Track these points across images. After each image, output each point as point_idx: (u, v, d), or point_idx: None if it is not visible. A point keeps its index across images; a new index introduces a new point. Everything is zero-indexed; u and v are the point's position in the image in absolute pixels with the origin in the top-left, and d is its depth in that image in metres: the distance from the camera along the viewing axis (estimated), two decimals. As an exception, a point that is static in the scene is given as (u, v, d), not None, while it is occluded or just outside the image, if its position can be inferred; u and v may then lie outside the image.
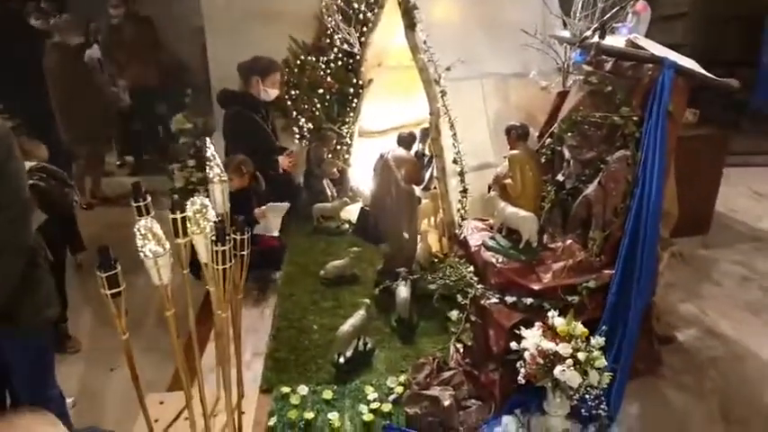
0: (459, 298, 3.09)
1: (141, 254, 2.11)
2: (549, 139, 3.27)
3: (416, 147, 4.02)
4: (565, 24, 3.94)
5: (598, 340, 2.53)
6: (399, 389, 2.93)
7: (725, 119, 6.69)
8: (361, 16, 4.73)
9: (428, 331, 3.42)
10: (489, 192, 3.30)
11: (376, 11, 4.58)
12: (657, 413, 2.91)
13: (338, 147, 5.13)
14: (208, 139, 2.80)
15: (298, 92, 5.10)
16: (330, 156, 5.06)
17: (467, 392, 2.85)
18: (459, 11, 4.22)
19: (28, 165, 2.72)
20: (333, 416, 2.79)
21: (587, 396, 2.45)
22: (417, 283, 3.58)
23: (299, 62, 5.09)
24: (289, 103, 5.12)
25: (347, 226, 4.76)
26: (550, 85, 3.84)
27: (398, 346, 3.33)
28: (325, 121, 5.08)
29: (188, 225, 2.30)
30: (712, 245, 4.72)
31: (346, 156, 5.17)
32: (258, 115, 4.50)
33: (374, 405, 2.85)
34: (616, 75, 2.99)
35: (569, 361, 2.42)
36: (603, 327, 2.66)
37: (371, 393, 2.94)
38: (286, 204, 4.22)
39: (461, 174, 3.85)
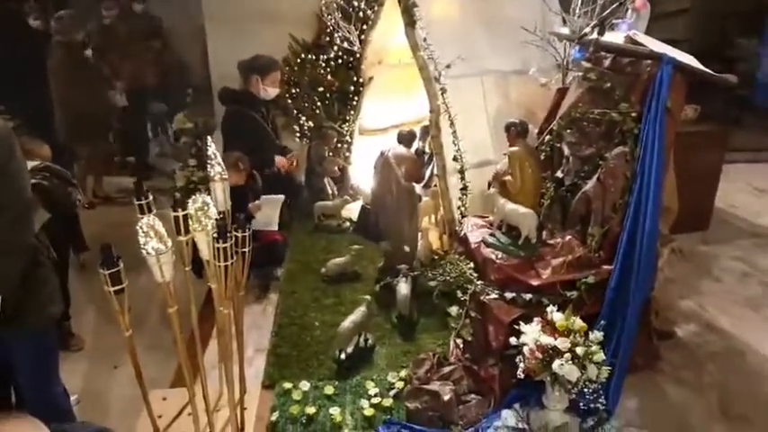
0: (459, 294, 3.11)
1: (143, 251, 2.14)
2: (548, 136, 3.28)
3: (417, 144, 4.04)
4: (564, 21, 3.95)
5: (596, 335, 2.55)
6: (400, 384, 2.97)
7: (727, 115, 6.72)
8: (361, 14, 4.74)
9: (428, 327, 3.45)
10: (489, 188, 3.32)
11: (376, 9, 4.59)
12: (656, 408, 2.93)
13: (339, 145, 5.15)
14: (209, 137, 2.82)
15: (298, 90, 5.12)
16: (331, 154, 5.08)
17: (466, 387, 2.88)
18: (459, 8, 4.23)
19: (31, 164, 2.74)
20: (334, 411, 2.82)
21: (585, 390, 2.47)
22: (418, 279, 3.60)
23: (299, 60, 5.10)
24: (289, 101, 5.13)
25: (348, 224, 4.79)
26: (550, 81, 3.85)
27: (399, 343, 3.36)
28: (325, 120, 5.09)
29: (190, 222, 2.33)
30: (712, 241, 4.73)
31: (347, 154, 5.20)
32: (258, 114, 4.51)
33: (375, 400, 2.89)
34: (615, 71, 3.01)
35: (568, 355, 2.44)
36: (602, 321, 2.69)
37: (372, 388, 2.97)
38: (281, 197, 4.24)
39: (461, 171, 3.87)
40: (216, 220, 2.34)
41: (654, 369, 3.15)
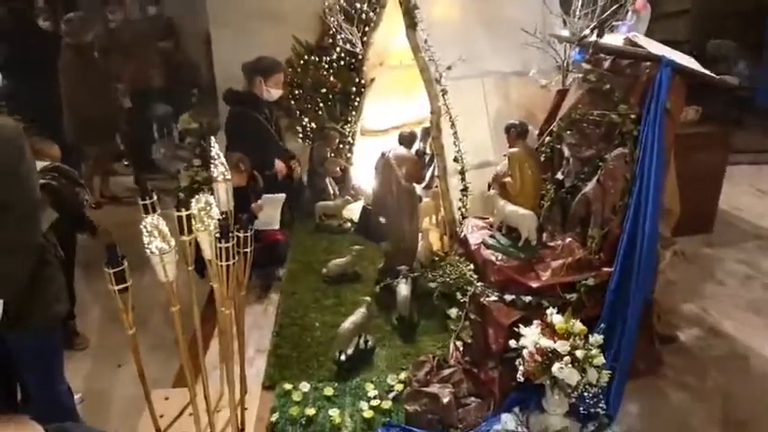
0: (459, 296, 3.11)
1: (147, 250, 2.16)
2: (548, 138, 3.28)
3: (417, 145, 4.04)
4: (565, 23, 3.95)
5: (597, 338, 2.55)
6: (399, 386, 2.97)
7: (728, 116, 6.70)
8: (363, 16, 4.76)
9: (429, 329, 3.45)
10: (489, 190, 3.32)
11: (378, 11, 4.60)
12: (658, 413, 2.92)
13: (341, 146, 5.17)
14: (212, 138, 2.84)
15: (301, 91, 5.15)
16: (333, 154, 5.10)
17: (466, 390, 2.88)
18: (460, 10, 4.23)
19: (41, 164, 2.77)
20: (333, 412, 2.83)
21: (585, 394, 2.46)
22: (418, 281, 3.61)
23: (302, 62, 5.13)
24: (292, 102, 5.16)
25: (349, 224, 4.80)
26: (550, 83, 3.85)
27: (399, 344, 3.36)
28: (327, 121, 5.12)
29: (193, 222, 2.35)
30: (716, 243, 4.71)
31: (348, 154, 5.21)
32: (261, 115, 4.54)
33: (374, 402, 2.89)
34: (614, 73, 3.01)
35: (567, 358, 2.44)
36: (602, 324, 2.68)
37: (372, 390, 2.97)
38: (282, 196, 4.25)
39: (462, 172, 3.87)
40: (218, 220, 2.36)
41: (656, 374, 3.14)
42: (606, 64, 3.11)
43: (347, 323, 3.20)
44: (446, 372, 2.94)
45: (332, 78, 5.04)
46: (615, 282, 2.79)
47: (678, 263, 4.28)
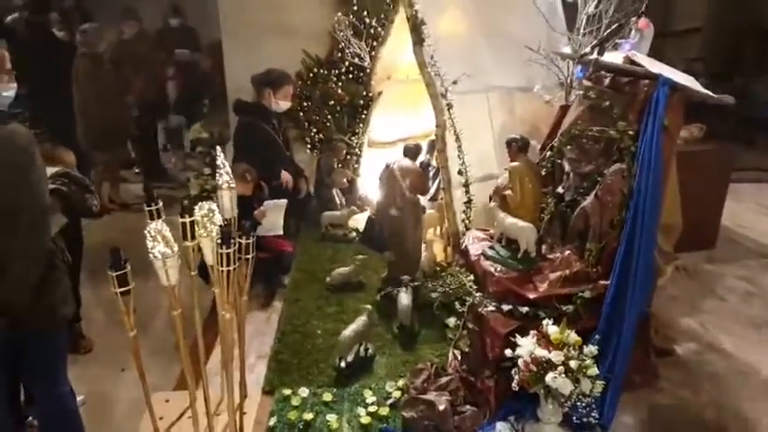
0: (458, 305, 3.16)
1: (151, 255, 2.23)
2: (549, 152, 3.34)
3: (422, 158, 4.12)
4: (570, 40, 4.02)
5: (591, 349, 2.58)
6: (397, 393, 3.02)
7: (738, 135, 6.72)
8: (372, 31, 4.86)
9: (429, 338, 3.50)
10: (490, 202, 3.38)
11: (386, 26, 4.70)
12: (652, 426, 2.93)
13: (348, 157, 5.25)
14: (218, 147, 2.92)
15: (310, 103, 5.25)
16: (340, 166, 5.18)
17: (463, 398, 2.91)
18: (466, 26, 4.32)
19: (51, 170, 2.85)
20: (331, 417, 2.88)
21: (579, 404, 2.50)
22: (419, 291, 3.66)
23: (311, 75, 5.23)
24: (301, 114, 5.26)
25: (354, 234, 4.87)
26: (553, 99, 3.92)
27: (399, 353, 3.41)
28: (335, 132, 5.21)
29: (196, 229, 2.43)
30: (718, 260, 4.72)
31: (355, 166, 5.30)
32: (270, 126, 4.63)
33: (372, 408, 2.94)
34: (614, 90, 3.06)
35: (561, 368, 2.47)
36: (597, 336, 2.72)
37: (370, 397, 3.02)
38: (284, 201, 4.30)
39: (466, 185, 3.94)
40: (220, 226, 2.43)
41: (652, 386, 3.15)
42: (606, 81, 3.17)
43: (348, 331, 3.25)
44: (443, 380, 2.98)
45: (340, 91, 5.14)
46: (611, 295, 2.82)
47: (680, 278, 4.31)
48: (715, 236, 4.89)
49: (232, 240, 2.39)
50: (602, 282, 2.90)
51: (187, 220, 2.42)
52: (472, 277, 3.22)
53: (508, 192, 3.16)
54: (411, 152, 3.90)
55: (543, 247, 3.22)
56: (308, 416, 2.89)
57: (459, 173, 3.94)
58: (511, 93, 4.30)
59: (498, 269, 3.07)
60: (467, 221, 3.94)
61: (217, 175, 2.75)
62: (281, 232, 4.20)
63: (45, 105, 5.59)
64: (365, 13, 4.93)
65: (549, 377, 2.47)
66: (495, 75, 4.22)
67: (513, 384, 2.61)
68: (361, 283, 4.13)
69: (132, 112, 6.22)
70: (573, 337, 2.59)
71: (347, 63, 5.10)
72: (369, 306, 3.40)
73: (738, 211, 5.49)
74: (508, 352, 2.67)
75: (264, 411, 3.00)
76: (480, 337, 2.95)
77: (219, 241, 2.37)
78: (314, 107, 5.25)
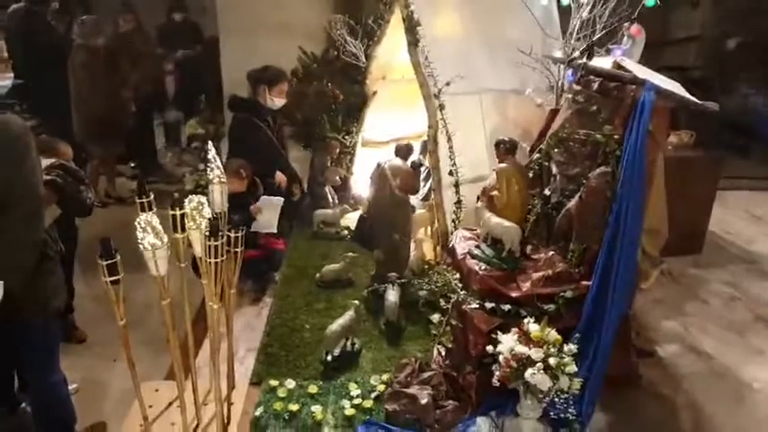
0: (442, 302, 3.21)
1: (140, 245, 2.28)
2: (536, 155, 3.39)
3: (414, 157, 4.18)
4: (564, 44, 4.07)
5: (570, 347, 2.64)
6: (381, 387, 3.08)
7: (733, 143, 6.80)
8: (367, 28, 4.91)
9: (415, 335, 3.56)
10: (477, 202, 3.43)
11: (381, 26, 4.75)
12: (630, 423, 3.00)
13: (341, 156, 5.30)
14: (209, 143, 2.98)
15: (304, 101, 5.29)
16: (333, 164, 5.23)
17: (445, 393, 2.97)
18: (461, 29, 4.37)
19: (47, 161, 2.89)
20: (316, 409, 2.94)
21: (556, 399, 2.55)
22: (407, 288, 3.71)
23: (307, 72, 5.28)
24: (295, 111, 5.30)
25: (346, 232, 4.92)
26: (544, 102, 3.97)
27: (385, 348, 3.47)
28: (329, 131, 5.26)
29: (186, 221, 2.48)
30: (704, 265, 4.79)
31: (349, 164, 5.35)
32: (264, 122, 4.68)
33: (356, 401, 3.00)
34: (601, 94, 3.11)
35: (540, 365, 2.53)
36: (577, 335, 2.77)
37: (355, 390, 3.08)
38: (280, 199, 4.35)
39: (457, 185, 3.99)
40: (209, 219, 2.48)
41: (631, 385, 3.21)
42: (595, 86, 3.22)
43: (335, 325, 3.31)
44: (426, 374, 3.04)
45: (335, 90, 5.19)
46: (592, 295, 2.87)
47: (665, 282, 4.38)
48: (702, 241, 4.96)
49: (220, 233, 2.44)
50: (584, 282, 2.95)
51: (177, 212, 2.48)
52: (458, 275, 3.27)
53: (495, 192, 3.22)
54: (402, 152, 3.95)
55: (528, 247, 3.27)
56: (294, 407, 2.95)
57: (451, 173, 4.00)
58: (504, 95, 4.35)
59: (483, 268, 3.12)
60: (457, 222, 3.99)
61: (208, 169, 2.81)
62: (275, 230, 4.26)
63: (42, 97, 5.64)
64: (362, 14, 4.98)
65: (528, 373, 2.53)
66: (488, 77, 4.27)
67: (494, 380, 2.66)
68: (350, 280, 4.19)
69: (129, 106, 6.25)
70: (553, 335, 2.65)
71: (343, 62, 5.15)
72: (356, 301, 3.46)
73: (727, 218, 5.57)
74: (490, 348, 2.73)
75: (252, 402, 3.06)
76: (463, 334, 3.01)
77: (208, 233, 2.42)
78: (309, 105, 5.30)
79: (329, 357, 3.30)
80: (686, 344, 3.69)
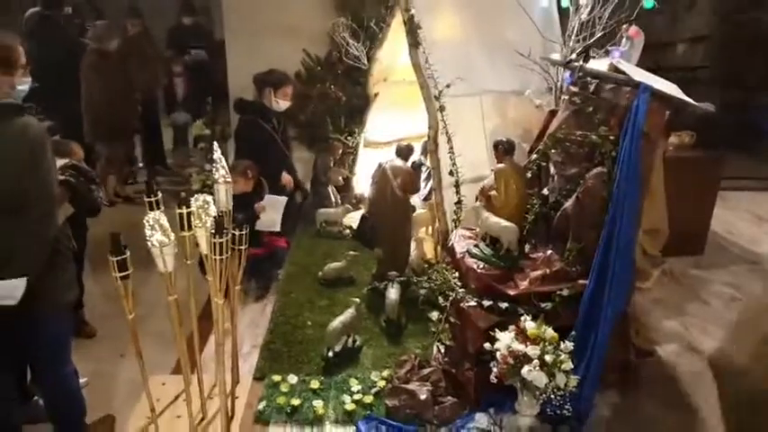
0: (441, 300, 3.27)
1: (149, 243, 2.37)
2: (534, 155, 3.45)
3: (415, 158, 4.24)
4: (563, 46, 4.12)
5: (567, 345, 2.69)
6: (382, 383, 3.15)
7: (740, 143, 6.79)
8: (368, 33, 4.99)
9: (415, 332, 3.63)
10: (476, 202, 3.49)
11: (383, 29, 4.82)
12: (627, 421, 3.04)
13: (344, 156, 5.38)
14: (215, 143, 3.06)
15: (308, 103, 5.38)
16: (336, 164, 5.31)
17: (444, 389, 3.03)
18: (462, 31, 4.42)
19: (61, 162, 2.98)
20: (318, 403, 3.01)
21: (553, 396, 2.61)
22: (407, 286, 3.78)
23: (310, 75, 5.36)
24: (299, 113, 5.39)
25: (348, 231, 5.00)
26: (543, 103, 4.02)
27: (385, 345, 3.54)
28: (332, 132, 5.34)
29: (192, 219, 2.56)
30: (705, 265, 4.80)
31: (351, 165, 5.42)
32: (269, 124, 4.76)
33: (357, 396, 3.07)
34: (598, 96, 3.17)
35: (536, 362, 2.59)
36: (572, 333, 2.83)
37: (356, 386, 3.15)
38: (284, 198, 4.43)
39: (457, 185, 4.05)
40: (214, 217, 2.56)
41: (629, 384, 3.25)
42: (592, 87, 3.27)
43: (336, 322, 3.38)
44: (426, 371, 3.11)
45: (338, 92, 5.27)
46: (589, 294, 2.91)
47: (665, 282, 4.41)
48: (703, 241, 4.98)
49: (225, 230, 2.52)
50: (581, 281, 2.99)
51: (184, 211, 2.56)
52: (457, 274, 3.33)
53: (493, 192, 3.28)
54: (403, 152, 4.02)
55: (527, 246, 3.32)
56: (296, 401, 3.02)
57: (451, 173, 4.05)
58: (504, 96, 4.40)
59: (481, 266, 3.18)
60: (457, 221, 4.05)
61: (213, 169, 2.88)
62: (279, 229, 4.33)
63: (54, 99, 5.73)
64: (364, 17, 5.05)
65: (524, 370, 2.58)
66: (489, 79, 4.32)
67: (492, 377, 2.72)
68: (352, 278, 4.26)
69: (137, 108, 6.34)
70: (549, 332, 2.70)
71: (345, 64, 5.22)
72: (357, 299, 3.53)
73: (730, 219, 5.59)
74: (487, 345, 2.78)
75: (255, 396, 3.13)
76: (461, 331, 3.07)
77: (213, 231, 2.50)
78: (312, 107, 5.38)
79: (330, 354, 3.36)
80: (685, 344, 3.71)
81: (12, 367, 2.70)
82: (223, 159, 2.91)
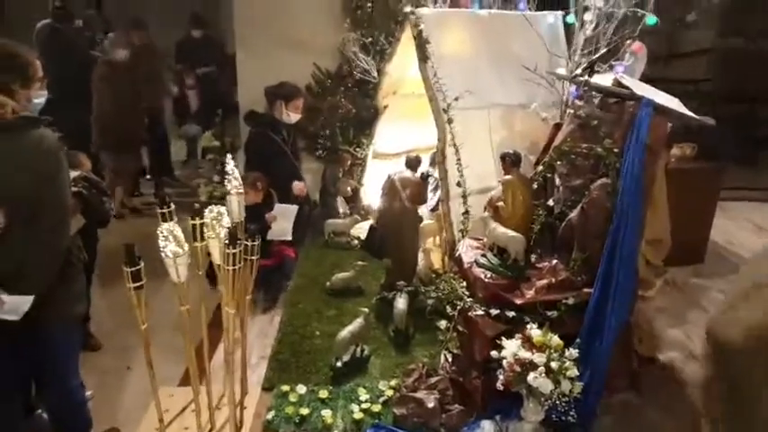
0: (449, 309, 3.32)
1: (162, 253, 2.42)
2: (540, 167, 3.51)
3: (423, 169, 4.30)
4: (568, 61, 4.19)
5: (572, 352, 2.74)
6: (390, 392, 3.19)
7: (742, 154, 6.86)
8: (378, 47, 5.08)
9: (423, 342, 3.68)
10: (484, 212, 3.55)
11: (393, 43, 4.91)
12: (630, 428, 3.07)
13: (353, 167, 5.45)
14: (229, 155, 3.13)
15: (318, 115, 5.46)
16: (345, 175, 5.38)
17: (451, 397, 3.07)
18: (470, 46, 4.49)
19: (73, 174, 3.05)
20: (326, 413, 3.05)
21: (558, 402, 2.65)
22: (415, 296, 3.83)
23: (321, 88, 5.45)
24: (309, 125, 5.47)
25: (356, 242, 5.05)
26: (549, 117, 4.09)
27: (393, 355, 3.59)
28: (342, 143, 5.42)
29: (205, 230, 2.62)
30: (705, 274, 4.84)
31: (360, 176, 5.49)
32: (279, 136, 4.84)
33: (365, 405, 3.11)
34: (602, 110, 3.23)
35: (542, 369, 2.63)
36: (577, 340, 2.87)
37: (364, 395, 3.20)
38: (294, 207, 4.51)
39: (464, 196, 4.10)
40: (228, 228, 2.62)
41: (632, 392, 3.28)
42: (596, 102, 3.34)
43: (345, 332, 3.43)
44: (433, 379, 3.16)
45: (347, 104, 5.35)
46: (594, 303, 2.96)
47: (668, 291, 4.45)
48: (704, 251, 5.03)
49: (238, 241, 2.58)
50: (586, 290, 3.04)
51: (197, 222, 2.62)
52: (464, 283, 3.38)
53: (501, 203, 3.34)
54: (412, 164, 4.09)
55: (533, 256, 3.37)
56: (305, 411, 3.07)
57: (458, 185, 4.11)
58: (512, 110, 4.45)
59: (488, 276, 3.23)
60: (464, 231, 4.10)
61: (226, 181, 2.95)
62: (290, 238, 4.39)
63: (63, 110, 5.83)
64: (375, 32, 5.14)
65: (530, 377, 2.63)
66: (496, 92, 4.38)
67: (498, 384, 2.76)
68: (360, 288, 4.31)
69: (145, 119, 6.39)
70: (555, 340, 2.75)
71: (355, 77, 5.31)
72: (366, 309, 3.58)
73: (730, 229, 5.63)
74: (494, 354, 2.83)
75: (263, 407, 3.17)
76: (469, 340, 3.11)
77: (227, 242, 2.56)
78: (322, 119, 5.46)
79: (339, 363, 3.41)
80: (687, 351, 3.75)
81: (19, 380, 2.68)
82: (236, 171, 2.98)
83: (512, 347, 2.77)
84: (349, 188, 5.37)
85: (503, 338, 2.86)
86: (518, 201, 3.32)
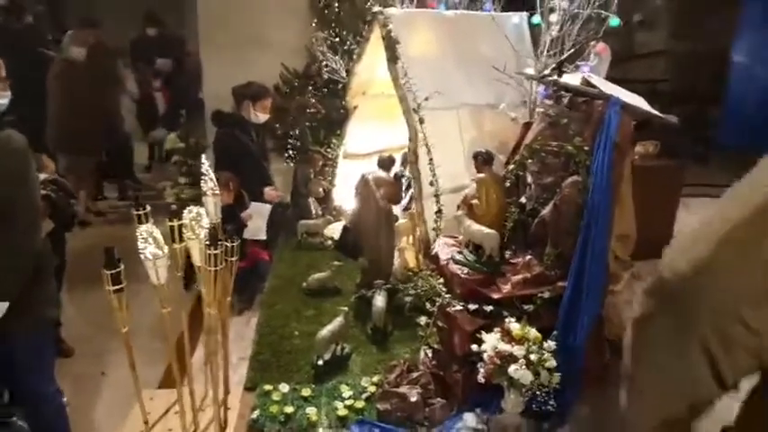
0: (428, 306, 3.38)
1: (142, 255, 2.38)
2: (512, 166, 3.60)
3: (396, 169, 4.35)
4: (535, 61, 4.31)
5: (550, 344, 2.83)
6: (372, 388, 3.23)
7: (695, 153, 7.16)
8: (346, 47, 5.10)
9: (401, 339, 3.73)
10: (458, 210, 3.62)
11: (361, 43, 4.94)
12: (606, 416, 3.18)
13: (324, 168, 5.45)
14: (203, 155, 3.09)
15: (287, 115, 5.44)
16: (316, 176, 5.38)
17: (433, 391, 3.13)
18: (438, 46, 4.58)
19: (41, 176, 2.97)
20: (310, 411, 3.07)
21: (538, 393, 2.74)
22: (394, 294, 3.87)
23: (289, 88, 5.43)
24: (278, 125, 5.45)
25: (330, 242, 5.06)
26: (518, 116, 4.20)
27: (373, 352, 3.63)
28: (312, 144, 5.41)
29: (184, 231, 2.59)
30: (668, 267, 5.03)
31: (331, 176, 5.50)
32: (248, 137, 4.79)
33: (349, 402, 3.14)
34: (571, 109, 3.34)
35: (522, 361, 2.72)
36: (554, 332, 2.97)
37: (347, 392, 3.23)
38: (268, 206, 4.49)
39: (437, 195, 4.17)
40: (208, 229, 2.60)
41: (607, 381, 3.40)
42: (565, 101, 3.45)
43: (325, 331, 3.45)
44: (415, 375, 3.21)
45: (317, 104, 5.35)
46: (567, 296, 3.06)
47: (635, 284, 4.61)
48: (667, 245, 5.21)
49: (219, 242, 2.56)
50: (560, 284, 3.15)
51: (175, 223, 2.59)
52: (442, 280, 3.44)
53: (475, 201, 3.41)
54: (385, 164, 4.13)
55: (507, 252, 3.46)
56: (289, 409, 3.07)
57: (431, 184, 4.17)
58: (480, 109, 4.55)
59: (465, 272, 3.30)
60: (437, 230, 4.16)
61: (202, 182, 2.92)
62: (265, 237, 4.37)
63: (20, 111, 5.62)
64: (343, 32, 5.16)
65: (511, 369, 2.71)
66: (465, 92, 4.47)
67: (479, 377, 2.83)
68: (336, 288, 4.32)
69: (103, 120, 6.23)
70: (533, 333, 2.84)
71: (324, 77, 5.32)
72: (345, 308, 3.60)
73: (692, 223, 5.83)
74: (474, 347, 2.90)
75: (246, 407, 3.16)
76: (449, 335, 3.18)
77: (208, 243, 2.54)
78: (291, 119, 5.45)
79: (320, 362, 3.42)
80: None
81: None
82: (211, 171, 2.95)
83: (492, 341, 2.84)
84: (321, 189, 5.37)
85: (482, 332, 2.93)
86: (491, 198, 3.41)
